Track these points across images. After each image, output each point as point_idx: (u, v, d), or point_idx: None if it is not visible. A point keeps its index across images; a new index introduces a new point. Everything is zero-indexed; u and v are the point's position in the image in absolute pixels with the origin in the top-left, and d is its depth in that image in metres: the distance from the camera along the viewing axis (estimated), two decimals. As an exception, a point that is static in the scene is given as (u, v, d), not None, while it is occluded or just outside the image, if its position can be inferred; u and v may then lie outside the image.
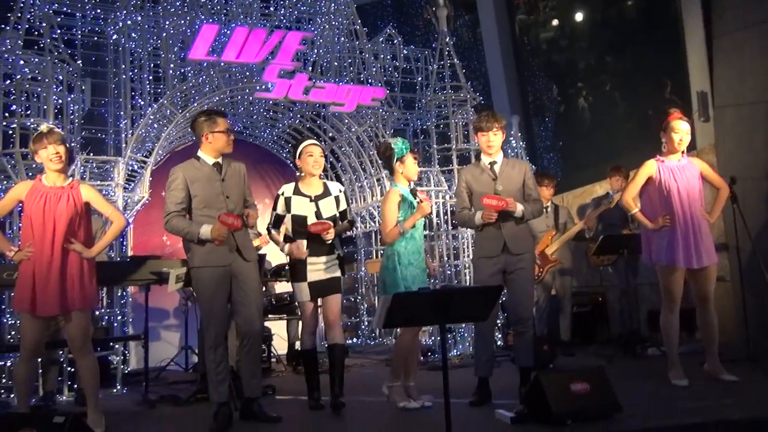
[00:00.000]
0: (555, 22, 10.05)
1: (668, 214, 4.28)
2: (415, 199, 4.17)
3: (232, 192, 3.86)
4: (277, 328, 6.61)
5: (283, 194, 4.34)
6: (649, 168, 4.42)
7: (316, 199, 4.30)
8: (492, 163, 4.30)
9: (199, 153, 3.90)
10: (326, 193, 4.37)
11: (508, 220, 4.17)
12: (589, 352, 6.15)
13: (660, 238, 4.32)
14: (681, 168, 4.36)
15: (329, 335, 4.32)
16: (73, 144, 5.54)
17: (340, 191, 4.46)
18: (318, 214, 4.27)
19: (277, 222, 4.33)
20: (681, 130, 4.35)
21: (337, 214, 4.36)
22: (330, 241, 4.22)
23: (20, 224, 5.10)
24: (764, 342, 5.25)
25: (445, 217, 7.17)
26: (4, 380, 4.96)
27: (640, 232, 5.76)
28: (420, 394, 4.20)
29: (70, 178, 3.91)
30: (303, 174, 4.38)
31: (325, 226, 4.17)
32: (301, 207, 4.27)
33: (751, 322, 5.23)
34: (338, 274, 4.28)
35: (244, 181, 3.99)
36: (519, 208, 4.14)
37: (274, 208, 4.36)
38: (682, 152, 4.41)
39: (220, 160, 3.90)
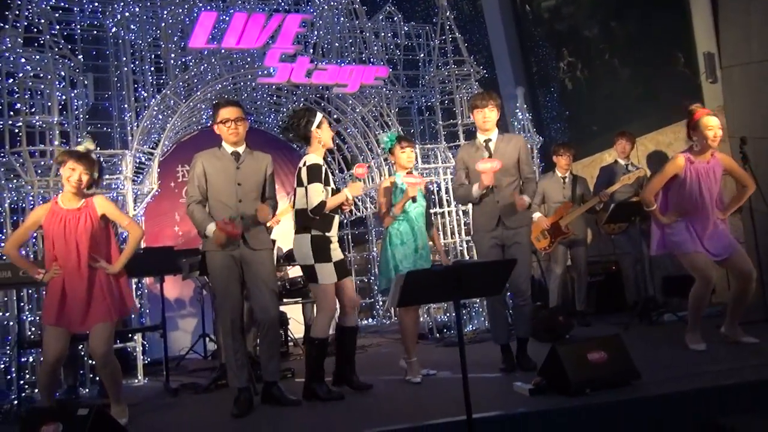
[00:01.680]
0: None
1: (685, 212, 4.27)
2: (419, 183, 4.22)
3: (245, 181, 3.89)
4: (293, 311, 6.64)
5: (321, 165, 4.11)
6: (677, 165, 4.33)
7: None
8: (487, 141, 4.35)
9: (223, 142, 3.98)
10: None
11: (505, 195, 4.23)
12: (605, 321, 6.14)
13: (677, 230, 4.30)
14: (707, 169, 4.30)
15: (347, 318, 4.21)
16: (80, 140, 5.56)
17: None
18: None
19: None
20: (713, 125, 4.24)
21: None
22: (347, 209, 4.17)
23: (34, 244, 5.19)
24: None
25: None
26: (27, 376, 5.03)
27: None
28: (430, 369, 4.38)
29: (85, 198, 3.87)
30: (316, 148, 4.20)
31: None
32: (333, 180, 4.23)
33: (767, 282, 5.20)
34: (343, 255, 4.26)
35: (265, 172, 3.99)
36: (526, 201, 4.20)
37: (319, 180, 4.00)
38: (712, 150, 4.34)
39: (240, 149, 3.95)
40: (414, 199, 4.21)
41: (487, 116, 4.29)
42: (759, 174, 5.16)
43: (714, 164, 4.33)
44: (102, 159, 5.83)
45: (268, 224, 3.92)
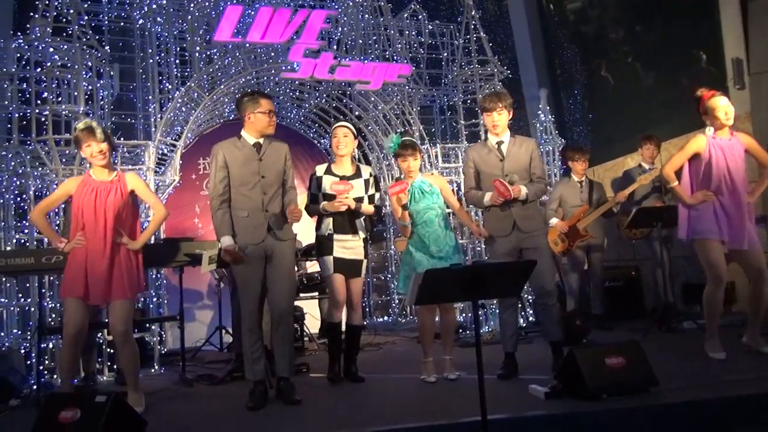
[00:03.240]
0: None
1: (714, 192, 4.18)
2: (403, 188, 4.17)
3: (268, 172, 3.92)
4: (309, 307, 6.67)
5: (315, 174, 4.48)
6: (700, 143, 4.28)
7: (343, 179, 4.38)
8: (499, 143, 4.30)
9: (242, 132, 3.98)
10: (357, 174, 4.47)
11: (516, 201, 4.19)
12: (623, 326, 6.08)
13: (703, 213, 4.22)
14: (730, 146, 4.24)
15: (351, 316, 4.52)
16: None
17: (371, 175, 4.54)
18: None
19: (313, 200, 4.46)
20: (722, 105, 4.22)
21: (365, 197, 4.45)
22: (347, 211, 4.30)
23: (55, 210, 5.26)
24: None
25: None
26: (46, 362, 5.10)
27: (674, 204, 5.68)
28: (455, 369, 4.26)
29: (116, 170, 4.05)
30: (335, 156, 4.56)
31: (347, 185, 4.27)
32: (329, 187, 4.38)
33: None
34: (361, 257, 4.42)
35: (285, 161, 4.01)
36: (523, 192, 4.15)
37: (310, 188, 4.53)
38: (730, 129, 4.28)
39: (261, 140, 3.95)
40: (405, 207, 4.16)
41: (495, 120, 4.26)
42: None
43: (735, 143, 4.28)
44: (125, 149, 5.92)
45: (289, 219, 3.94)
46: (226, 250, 3.81)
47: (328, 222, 4.37)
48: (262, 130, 3.93)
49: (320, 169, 4.49)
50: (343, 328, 4.55)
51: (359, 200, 4.38)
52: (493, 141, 4.32)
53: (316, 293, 6.63)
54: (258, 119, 3.90)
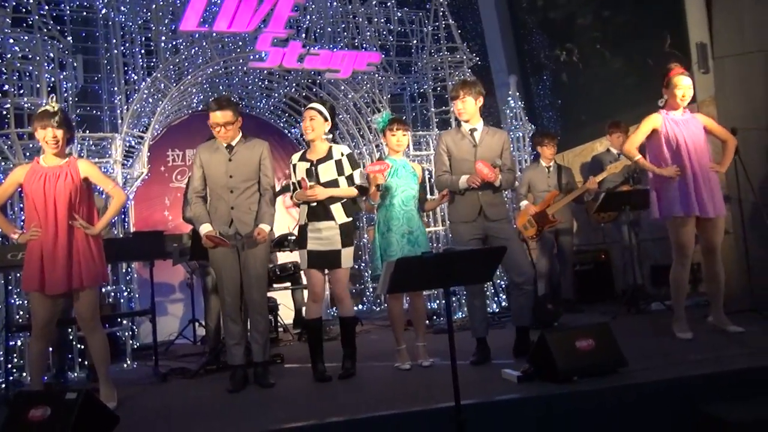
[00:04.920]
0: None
1: (678, 166, 4.27)
2: (383, 169, 4.18)
3: (236, 172, 4.09)
4: (283, 297, 6.65)
5: (292, 161, 4.35)
6: (655, 120, 4.39)
7: (316, 164, 4.19)
8: (472, 130, 4.34)
9: None
10: (329, 156, 4.22)
11: (486, 187, 4.22)
12: (594, 309, 6.18)
13: (671, 190, 4.30)
14: (685, 122, 4.35)
15: (338, 308, 4.43)
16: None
17: (343, 154, 4.25)
18: (313, 178, 4.14)
19: (284, 190, 4.43)
20: (683, 85, 4.32)
21: (343, 179, 4.21)
22: (316, 201, 4.12)
23: (21, 206, 5.15)
24: (767, 292, 5.28)
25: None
26: (15, 359, 5.02)
27: (641, 187, 5.78)
28: (428, 356, 4.28)
29: (68, 156, 3.89)
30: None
31: (304, 184, 4.10)
32: (301, 173, 4.19)
33: (754, 273, 5.25)
34: (338, 246, 4.13)
35: (259, 161, 4.15)
36: (498, 179, 4.19)
37: (290, 177, 4.39)
38: (684, 108, 4.38)
39: (233, 141, 4.15)
40: (378, 187, 4.17)
41: (459, 107, 4.30)
42: (748, 164, 5.18)
43: (690, 119, 4.39)
44: (91, 142, 5.81)
45: None
46: (207, 235, 3.97)
47: (303, 210, 4.23)
48: (217, 139, 4.16)
49: (295, 157, 4.35)
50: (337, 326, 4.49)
51: (332, 183, 4.17)
52: (467, 128, 4.35)
53: (289, 283, 6.61)
54: (212, 128, 4.12)
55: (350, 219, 4.24)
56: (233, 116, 4.06)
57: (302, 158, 4.29)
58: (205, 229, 4.02)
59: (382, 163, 4.26)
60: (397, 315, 4.37)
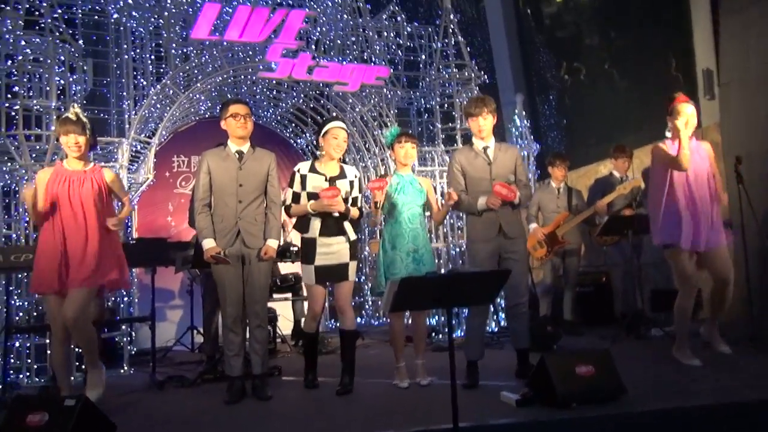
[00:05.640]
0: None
1: (677, 195, 4.27)
2: (381, 186, 4.16)
3: (247, 181, 4.08)
4: (282, 308, 6.64)
5: (299, 171, 4.28)
6: (662, 147, 4.39)
7: (331, 180, 4.21)
8: (485, 148, 4.33)
9: (228, 141, 4.17)
10: (342, 175, 4.28)
11: (504, 205, 4.21)
12: (593, 332, 6.17)
13: (668, 218, 4.30)
14: (691, 150, 4.35)
15: (340, 320, 4.39)
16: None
17: (356, 177, 4.35)
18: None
19: (295, 199, 4.25)
20: (686, 113, 4.33)
21: (350, 199, 4.29)
22: (338, 215, 4.15)
23: (25, 207, 5.15)
24: (768, 321, 5.28)
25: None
26: (12, 361, 5.00)
27: (643, 212, 5.78)
28: (427, 375, 4.27)
29: (92, 163, 4.04)
30: (323, 153, 4.30)
31: (335, 191, 4.07)
32: (318, 186, 4.18)
33: (756, 301, 5.24)
34: (347, 260, 4.20)
35: (268, 171, 4.15)
36: (517, 196, 4.19)
37: (291, 185, 4.28)
38: (689, 136, 4.39)
39: (244, 148, 4.12)
40: (376, 204, 4.15)
41: (481, 125, 4.29)
42: (751, 191, 5.19)
43: (696, 147, 4.36)
44: (98, 146, 5.82)
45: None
46: (209, 253, 3.96)
47: (317, 224, 4.17)
48: (233, 133, 4.11)
49: (304, 167, 4.28)
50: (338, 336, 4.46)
51: (345, 201, 4.22)
52: (480, 145, 4.34)
53: (290, 294, 6.60)
54: (228, 124, 4.11)
55: (357, 236, 4.37)
56: (250, 111, 4.18)
57: (313, 170, 4.26)
58: (208, 244, 3.99)
59: (381, 180, 4.25)
60: (397, 332, 4.35)
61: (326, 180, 4.21)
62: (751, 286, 5.20)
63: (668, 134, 4.47)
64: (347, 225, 4.27)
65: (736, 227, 5.76)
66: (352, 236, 4.27)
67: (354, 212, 4.28)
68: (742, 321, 5.38)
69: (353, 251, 4.25)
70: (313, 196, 4.17)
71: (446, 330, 3.07)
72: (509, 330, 4.68)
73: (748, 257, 5.34)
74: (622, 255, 6.23)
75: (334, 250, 4.17)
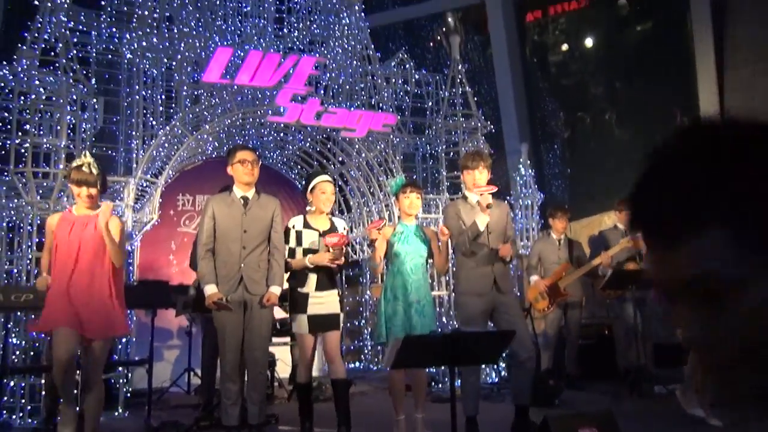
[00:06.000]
0: (565, 46, 10.09)
1: None
2: (375, 225, 4.24)
3: (251, 227, 4.09)
4: (281, 352, 6.57)
5: (293, 227, 4.34)
6: None
7: (323, 234, 4.30)
8: (479, 201, 4.35)
9: (233, 186, 4.21)
10: (333, 228, 4.37)
11: (499, 260, 4.24)
12: (594, 387, 6.08)
13: None
14: None
15: (331, 370, 4.38)
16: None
17: (345, 229, 4.47)
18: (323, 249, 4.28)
19: (291, 254, 4.31)
20: None
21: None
22: (335, 266, 4.22)
23: (29, 244, 5.16)
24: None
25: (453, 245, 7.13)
26: (5, 400, 4.93)
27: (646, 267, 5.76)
28: (426, 430, 4.19)
29: (99, 207, 3.94)
30: (312, 209, 4.40)
31: (342, 238, 4.15)
32: (312, 240, 4.28)
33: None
34: (337, 310, 4.28)
35: (272, 217, 4.17)
36: (510, 248, 4.26)
37: (286, 241, 4.32)
38: None
39: (249, 194, 4.15)
40: (371, 243, 4.25)
41: (477, 178, 4.33)
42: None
43: None
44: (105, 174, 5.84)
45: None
46: (211, 299, 3.94)
47: (313, 279, 4.22)
48: (240, 179, 4.15)
49: (298, 223, 4.36)
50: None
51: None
52: (474, 199, 4.36)
53: (288, 338, 6.53)
54: (235, 170, 4.14)
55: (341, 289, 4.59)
56: (257, 158, 4.23)
57: (306, 225, 4.35)
58: (210, 290, 3.97)
59: (378, 222, 4.34)
60: (398, 385, 4.28)
61: (320, 235, 4.28)
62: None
63: None
64: (338, 279, 4.44)
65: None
66: (340, 288, 4.49)
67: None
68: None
69: (341, 302, 4.41)
70: (309, 251, 4.25)
71: (446, 379, 3.04)
72: (511, 385, 4.61)
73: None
74: (625, 308, 6.18)
75: (324, 301, 4.24)
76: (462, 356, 2.90)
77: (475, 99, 7.70)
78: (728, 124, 0.68)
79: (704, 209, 0.63)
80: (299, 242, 4.28)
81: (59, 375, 3.76)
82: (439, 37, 10.99)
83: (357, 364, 8.25)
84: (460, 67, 7.54)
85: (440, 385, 6.35)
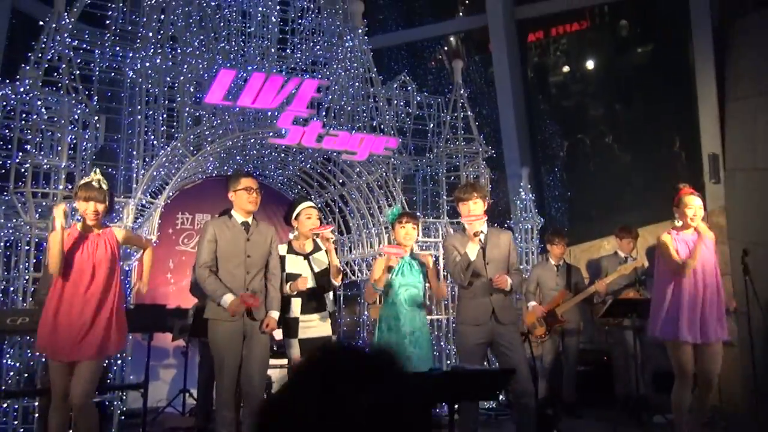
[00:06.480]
0: (566, 68, 10.12)
1: (684, 286, 4.24)
2: (398, 253, 4.27)
3: (254, 252, 4.13)
4: (278, 375, 6.51)
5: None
6: (666, 239, 4.40)
7: (308, 256, 4.48)
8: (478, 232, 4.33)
9: (232, 211, 4.23)
10: (317, 248, 4.57)
11: (498, 290, 4.21)
12: (593, 415, 6.04)
13: (671, 313, 4.28)
14: (695, 241, 4.34)
15: None
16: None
17: (332, 233, 4.63)
18: (313, 271, 4.49)
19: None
20: (694, 205, 4.36)
21: (328, 266, 4.52)
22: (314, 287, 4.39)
23: (23, 265, 5.13)
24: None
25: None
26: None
27: (647, 295, 5.74)
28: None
29: (105, 224, 4.03)
30: (296, 234, 4.59)
31: (400, 250, 4.26)
32: (295, 265, 4.45)
33: (761, 391, 5.15)
34: (329, 333, 4.41)
35: (270, 244, 4.23)
36: (508, 283, 4.21)
37: None
38: (696, 228, 4.40)
39: (249, 220, 4.19)
40: (389, 269, 4.24)
41: (471, 209, 4.33)
42: (756, 280, 5.15)
43: (704, 235, 4.36)
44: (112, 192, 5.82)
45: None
46: (243, 300, 3.94)
47: (297, 304, 4.39)
48: (242, 206, 4.17)
49: (282, 249, 4.50)
50: None
51: (326, 271, 4.49)
52: (472, 231, 4.34)
53: (286, 360, 6.48)
54: (239, 196, 4.16)
55: (335, 308, 4.61)
56: (260, 189, 4.32)
57: (291, 251, 4.52)
58: (229, 299, 3.95)
59: (399, 247, 4.29)
60: None
61: (304, 258, 4.47)
62: (758, 378, 5.11)
63: (678, 223, 4.48)
64: (327, 298, 4.50)
65: (742, 314, 5.72)
66: (331, 307, 4.51)
67: (335, 262, 4.50)
68: (745, 413, 5.28)
69: (333, 325, 4.48)
70: (291, 277, 4.37)
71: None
72: (514, 420, 4.56)
73: (753, 346, 5.26)
74: (624, 336, 6.15)
75: (314, 324, 4.38)
76: (461, 393, 2.88)
77: (476, 122, 7.70)
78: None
79: None
80: (283, 268, 4.41)
81: (54, 414, 3.80)
82: (441, 57, 11.02)
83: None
84: (462, 91, 7.56)
85: (436, 409, 6.28)
